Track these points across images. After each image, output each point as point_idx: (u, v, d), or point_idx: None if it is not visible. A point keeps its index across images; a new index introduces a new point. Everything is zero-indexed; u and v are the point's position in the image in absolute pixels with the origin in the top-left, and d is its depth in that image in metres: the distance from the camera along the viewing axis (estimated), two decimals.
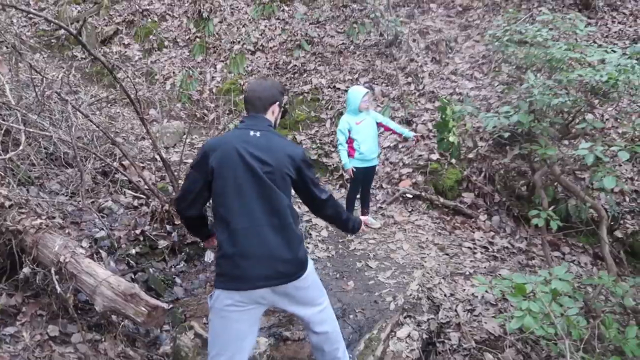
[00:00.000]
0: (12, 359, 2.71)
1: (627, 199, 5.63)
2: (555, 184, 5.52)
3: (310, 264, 2.54)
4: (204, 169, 2.36)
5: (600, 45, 6.03)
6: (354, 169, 4.75)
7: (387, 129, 4.97)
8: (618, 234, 5.44)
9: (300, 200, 2.68)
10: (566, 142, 5.50)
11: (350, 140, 4.74)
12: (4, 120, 4.48)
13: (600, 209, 4.69)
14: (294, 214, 2.44)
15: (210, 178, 2.35)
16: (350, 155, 4.76)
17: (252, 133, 2.41)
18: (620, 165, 5.78)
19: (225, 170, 2.32)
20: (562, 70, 4.51)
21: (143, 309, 2.80)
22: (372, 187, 5.39)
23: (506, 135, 5.48)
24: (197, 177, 2.39)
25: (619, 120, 5.78)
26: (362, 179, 4.90)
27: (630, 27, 7.21)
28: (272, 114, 2.54)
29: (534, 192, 5.37)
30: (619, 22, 7.40)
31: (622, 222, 5.48)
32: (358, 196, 5.14)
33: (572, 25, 4.94)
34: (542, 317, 2.89)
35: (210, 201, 2.45)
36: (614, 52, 4.13)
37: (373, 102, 6.44)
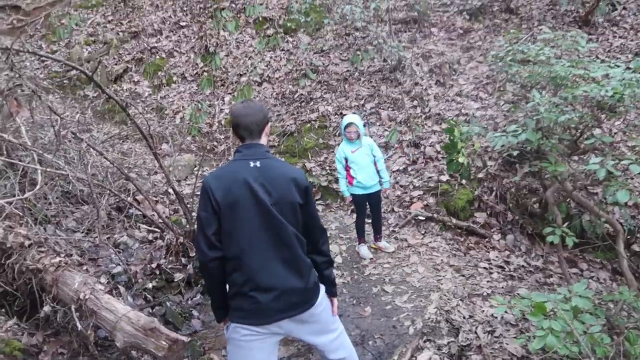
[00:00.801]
0: None
1: None
2: (568, 200, 5.50)
3: (322, 289, 2.54)
4: (211, 207, 2.29)
5: (603, 61, 6.09)
6: (355, 196, 4.89)
7: (375, 164, 4.87)
8: (635, 247, 5.38)
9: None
10: (576, 158, 5.50)
11: (347, 168, 4.83)
12: (20, 160, 4.59)
13: (615, 223, 4.65)
14: (301, 242, 2.41)
15: (219, 215, 2.30)
16: (350, 183, 4.86)
17: (252, 164, 2.35)
18: (632, 179, 5.76)
19: (232, 206, 2.29)
20: (567, 87, 4.55)
21: (164, 342, 2.81)
22: (383, 211, 5.42)
23: (515, 153, 5.50)
24: (208, 217, 2.31)
25: (627, 134, 5.78)
26: (367, 205, 4.97)
27: (632, 40, 7.28)
28: (266, 135, 2.51)
29: (547, 209, 5.35)
30: (620, 37, 7.47)
31: (638, 235, 5.43)
32: (369, 221, 5.18)
33: (573, 42, 5.00)
34: (565, 336, 2.87)
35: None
36: (618, 66, 4.18)
37: (372, 128, 6.48)
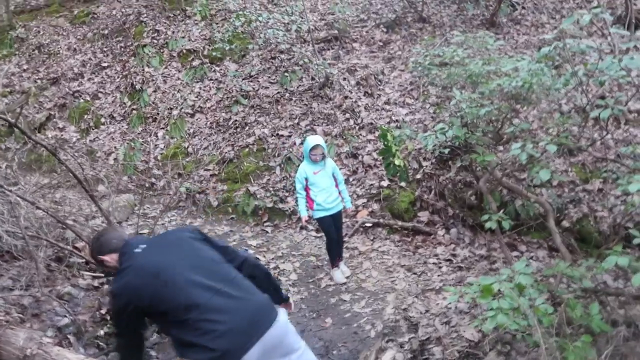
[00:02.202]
0: None
1: (566, 190, 6.02)
2: (500, 188, 5.84)
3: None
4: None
5: (511, 56, 6.57)
6: (314, 219, 4.88)
7: (336, 186, 4.89)
8: (565, 223, 5.77)
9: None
10: (501, 147, 5.87)
11: (307, 189, 4.75)
12: None
13: (544, 203, 4.99)
14: None
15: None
16: (310, 206, 4.77)
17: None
18: (553, 161, 6.20)
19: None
20: (483, 83, 4.88)
21: None
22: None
23: (447, 151, 5.80)
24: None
25: (542, 120, 6.23)
26: (333, 227, 4.86)
27: (534, 36, 7.91)
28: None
29: (483, 199, 5.65)
30: (524, 34, 8.10)
31: (566, 212, 5.83)
32: None
33: (482, 42, 5.39)
34: (513, 312, 3.04)
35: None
36: (524, 59, 4.55)
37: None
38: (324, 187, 4.69)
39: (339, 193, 4.89)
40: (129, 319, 2.43)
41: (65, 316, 3.97)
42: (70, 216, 5.79)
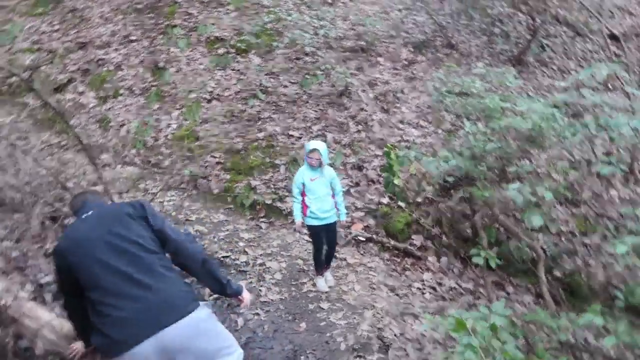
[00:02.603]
0: None
1: (564, 239, 6.00)
2: (498, 226, 5.84)
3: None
4: None
5: (530, 97, 6.59)
6: (306, 225, 4.75)
7: (333, 196, 4.76)
8: (557, 273, 5.76)
9: None
10: (505, 185, 5.87)
11: (303, 194, 4.69)
12: None
13: (537, 248, 4.99)
14: None
15: None
16: (304, 212, 4.70)
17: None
18: (555, 207, 6.19)
19: None
20: (496, 118, 4.90)
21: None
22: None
23: (451, 179, 5.81)
24: None
25: (550, 165, 6.22)
26: (323, 238, 4.78)
27: (558, 80, 7.91)
28: None
29: (478, 233, 5.65)
30: (549, 77, 8.11)
31: (560, 261, 5.81)
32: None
33: (503, 78, 5.41)
34: (482, 352, 3.04)
35: None
36: (539, 102, 4.57)
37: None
38: (320, 195, 4.61)
39: (335, 204, 4.80)
40: (61, 280, 2.49)
41: (48, 274, 4.03)
42: (72, 179, 5.87)
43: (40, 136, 6.40)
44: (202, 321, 2.38)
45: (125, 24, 9.93)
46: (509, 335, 3.22)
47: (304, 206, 4.71)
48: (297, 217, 4.76)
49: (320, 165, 4.59)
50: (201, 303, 2.45)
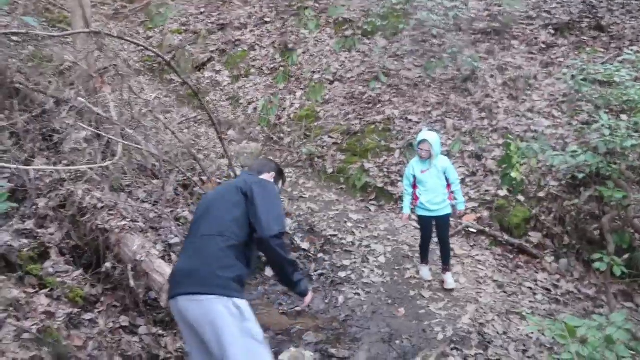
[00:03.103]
0: (87, 340, 3.10)
1: None
2: (633, 231, 5.23)
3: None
4: None
5: None
6: (420, 217, 4.71)
7: (449, 187, 4.65)
8: None
9: None
10: None
11: (414, 186, 4.65)
12: (106, 133, 5.12)
13: None
14: None
15: None
16: (414, 202, 4.68)
17: None
18: None
19: None
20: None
21: None
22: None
23: (580, 176, 5.31)
24: None
25: None
26: (432, 228, 4.68)
27: None
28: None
29: (605, 237, 5.12)
30: None
31: None
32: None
33: None
34: None
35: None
36: None
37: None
38: (431, 187, 4.53)
39: (451, 194, 4.64)
40: None
41: (177, 236, 4.55)
42: (203, 151, 6.48)
43: (180, 111, 7.13)
44: (213, 311, 2.34)
45: (261, 6, 10.51)
46: (627, 350, 2.94)
47: (415, 197, 4.66)
48: (405, 210, 4.74)
49: (430, 157, 4.49)
50: (234, 299, 2.39)
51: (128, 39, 5.77)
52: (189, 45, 9.86)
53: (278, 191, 2.99)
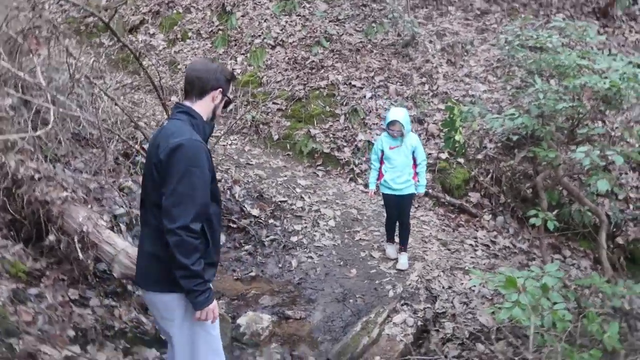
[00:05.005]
0: (36, 315, 2.96)
1: (631, 206, 5.73)
2: (561, 188, 5.64)
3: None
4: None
5: (613, 55, 6.11)
6: (383, 195, 4.58)
7: (415, 166, 4.52)
8: (620, 240, 5.55)
9: None
10: (574, 147, 5.61)
11: (381, 162, 4.52)
12: (35, 99, 4.76)
13: (600, 214, 4.81)
14: (157, 216, 2.12)
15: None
16: (379, 178, 4.57)
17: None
18: (626, 174, 5.88)
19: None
20: (570, 76, 4.63)
21: None
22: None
23: (515, 138, 5.61)
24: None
25: (627, 128, 5.85)
26: (393, 207, 4.58)
27: None
28: (211, 101, 2.26)
29: (538, 194, 5.50)
30: (637, 32, 7.45)
31: (624, 229, 5.58)
32: None
33: (583, 33, 5.04)
34: (531, 310, 3.06)
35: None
36: (621, 60, 4.25)
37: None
38: (397, 165, 4.40)
39: (416, 174, 4.53)
40: None
41: (122, 207, 4.39)
42: (143, 118, 6.21)
43: (114, 76, 6.74)
44: (156, 299, 2.25)
45: None
46: (559, 296, 3.21)
47: (380, 174, 4.54)
48: (372, 186, 4.61)
49: (402, 135, 4.35)
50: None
51: None
52: (119, 5, 9.23)
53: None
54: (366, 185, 6.17)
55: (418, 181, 4.52)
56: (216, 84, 2.23)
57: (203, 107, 2.24)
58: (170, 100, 6.09)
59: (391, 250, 4.74)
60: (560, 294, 3.41)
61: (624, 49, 7.12)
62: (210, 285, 2.24)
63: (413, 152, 4.44)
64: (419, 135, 6.57)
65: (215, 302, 2.21)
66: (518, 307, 3.03)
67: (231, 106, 7.39)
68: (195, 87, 2.22)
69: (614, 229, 5.51)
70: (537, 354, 3.65)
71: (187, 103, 2.24)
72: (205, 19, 9.04)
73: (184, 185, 2.02)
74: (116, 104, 4.69)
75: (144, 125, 5.73)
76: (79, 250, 3.28)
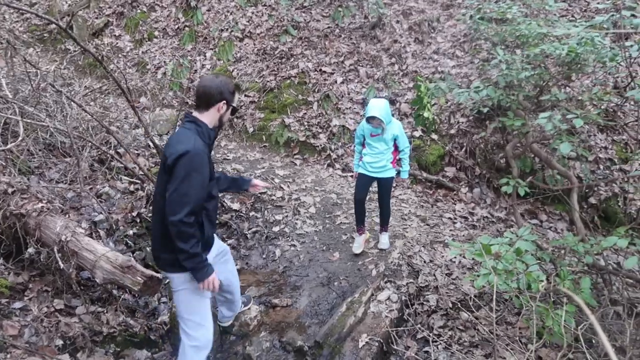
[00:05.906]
0: (22, 328, 2.99)
1: (602, 167, 5.89)
2: (533, 155, 5.78)
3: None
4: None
5: (574, 21, 6.22)
6: (359, 174, 4.51)
7: (395, 152, 4.46)
8: (592, 200, 5.71)
9: None
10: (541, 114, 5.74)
11: (363, 145, 4.50)
12: (1, 113, 4.71)
13: (570, 176, 4.95)
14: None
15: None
16: (360, 159, 4.54)
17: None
18: (595, 135, 6.03)
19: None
20: (532, 45, 4.73)
21: (139, 278, 3.07)
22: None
23: (485, 110, 5.72)
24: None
25: (586, 92, 5.99)
26: (367, 190, 4.54)
27: (609, 1, 7.37)
28: (217, 112, 2.60)
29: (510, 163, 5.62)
30: None
31: (596, 189, 5.74)
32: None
33: (542, 1, 5.14)
34: (507, 274, 3.18)
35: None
36: (581, 25, 4.35)
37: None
38: (377, 152, 4.36)
39: (399, 160, 4.50)
40: None
41: (101, 213, 4.39)
42: (115, 122, 6.16)
43: (82, 82, 6.66)
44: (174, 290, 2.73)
45: None
46: (532, 258, 3.32)
47: (361, 156, 4.52)
48: (355, 168, 4.58)
49: (383, 129, 4.28)
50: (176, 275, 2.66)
51: (14, 5, 5.22)
52: (81, 9, 9.10)
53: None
54: (344, 170, 6.26)
55: (402, 167, 4.51)
56: (220, 97, 2.59)
57: (209, 116, 2.61)
58: (139, 102, 6.06)
59: (357, 244, 4.62)
60: (536, 256, 3.55)
61: (585, 15, 7.22)
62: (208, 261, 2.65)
63: (395, 140, 4.40)
64: (392, 115, 6.64)
65: (214, 272, 2.62)
66: (494, 272, 3.15)
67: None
68: (202, 100, 2.59)
69: (587, 190, 5.66)
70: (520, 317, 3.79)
71: (196, 113, 2.62)
72: (170, 16, 8.95)
73: (184, 186, 2.42)
74: (84, 111, 4.65)
75: (116, 129, 5.70)
76: (59, 260, 3.30)
